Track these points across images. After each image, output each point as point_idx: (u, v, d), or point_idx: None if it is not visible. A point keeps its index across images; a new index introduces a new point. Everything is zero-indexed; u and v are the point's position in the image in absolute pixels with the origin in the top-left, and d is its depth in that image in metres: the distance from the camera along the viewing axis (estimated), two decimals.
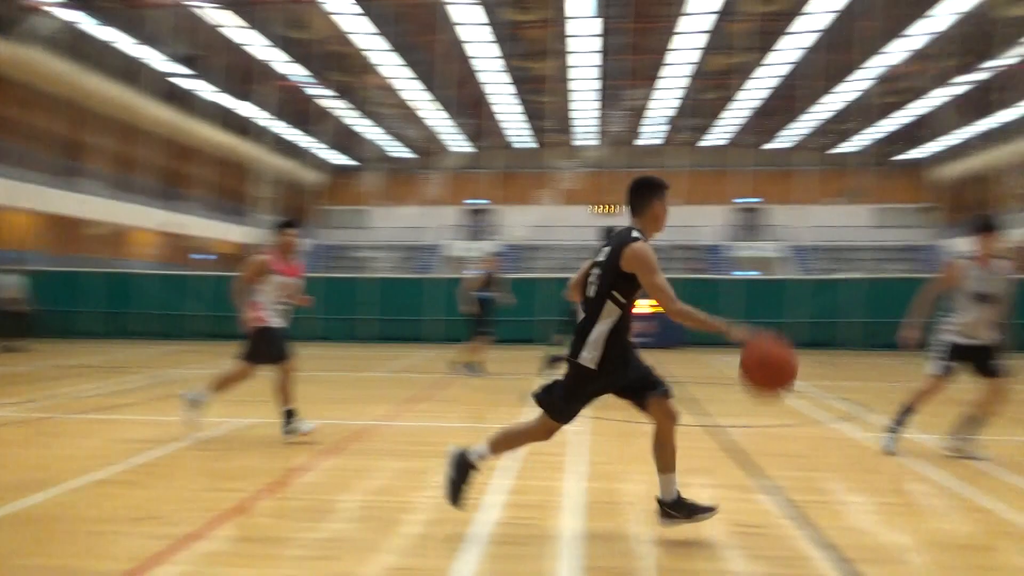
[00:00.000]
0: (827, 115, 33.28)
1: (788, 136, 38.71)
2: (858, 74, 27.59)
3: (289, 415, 6.06)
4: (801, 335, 17.33)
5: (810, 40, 24.03)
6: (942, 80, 26.28)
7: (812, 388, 10.11)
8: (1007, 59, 22.99)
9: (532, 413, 4.00)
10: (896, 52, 25.26)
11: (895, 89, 30.16)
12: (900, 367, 13.30)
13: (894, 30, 24.07)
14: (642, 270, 3.63)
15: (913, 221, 42.83)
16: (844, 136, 37.11)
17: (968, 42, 25.58)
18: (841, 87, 29.39)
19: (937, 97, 27.09)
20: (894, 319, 6.62)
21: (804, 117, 32.07)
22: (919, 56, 26.11)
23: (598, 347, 3.71)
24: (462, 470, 3.88)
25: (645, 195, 3.85)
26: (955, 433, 5.96)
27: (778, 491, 4.85)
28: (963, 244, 38.87)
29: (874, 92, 30.12)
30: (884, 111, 32.77)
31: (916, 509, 4.70)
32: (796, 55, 25.78)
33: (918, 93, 28.42)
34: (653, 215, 3.84)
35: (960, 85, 28.56)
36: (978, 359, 5.85)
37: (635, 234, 3.73)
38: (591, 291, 3.80)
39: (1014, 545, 4.01)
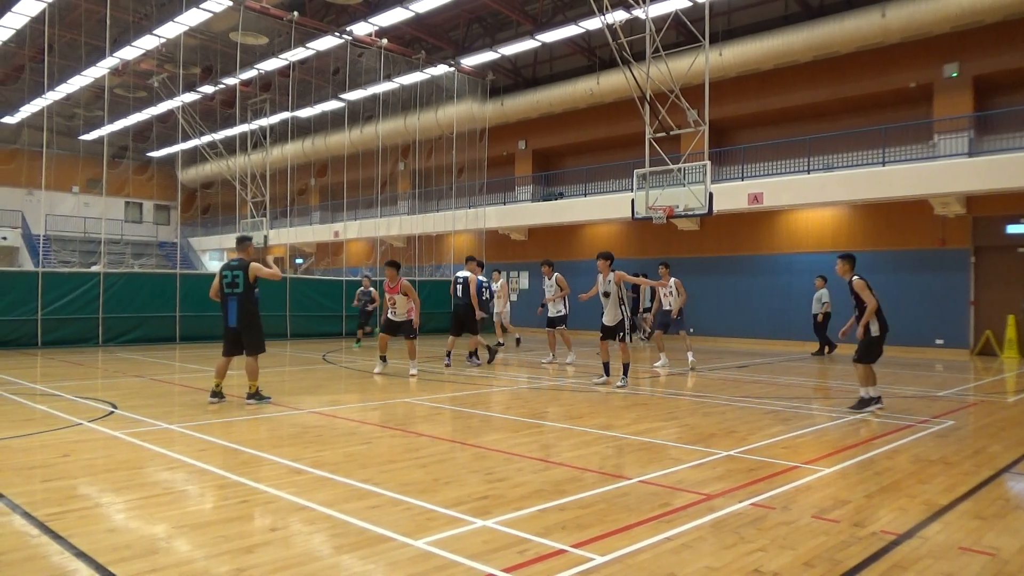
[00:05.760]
0: (60, 96, 30.50)
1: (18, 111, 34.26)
2: (94, 58, 26.42)
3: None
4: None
5: (36, 9, 21.66)
6: (186, 85, 27.31)
7: (60, 391, 9.37)
8: (235, 78, 25.49)
9: None
10: (135, 48, 25.07)
11: (142, 85, 30.10)
12: (145, 362, 13.51)
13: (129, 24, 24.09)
14: None
15: (161, 218, 44.54)
16: (93, 123, 34.96)
17: (205, 55, 27.49)
18: (75, 68, 27.62)
19: (178, 100, 28.01)
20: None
21: (49, 94, 28.48)
22: (157, 57, 26.65)
23: None
24: None
25: None
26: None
27: (18, 509, 4.40)
28: (206, 243, 41.93)
29: (117, 83, 29.35)
30: (135, 105, 32.32)
31: (169, 497, 4.84)
32: (20, 21, 22.87)
33: (163, 93, 28.90)
34: None
35: (198, 94, 30.36)
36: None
37: None
38: None
39: (259, 510, 4.53)
